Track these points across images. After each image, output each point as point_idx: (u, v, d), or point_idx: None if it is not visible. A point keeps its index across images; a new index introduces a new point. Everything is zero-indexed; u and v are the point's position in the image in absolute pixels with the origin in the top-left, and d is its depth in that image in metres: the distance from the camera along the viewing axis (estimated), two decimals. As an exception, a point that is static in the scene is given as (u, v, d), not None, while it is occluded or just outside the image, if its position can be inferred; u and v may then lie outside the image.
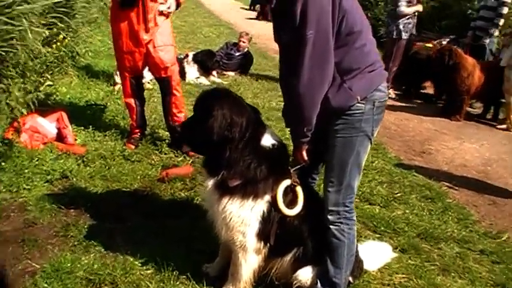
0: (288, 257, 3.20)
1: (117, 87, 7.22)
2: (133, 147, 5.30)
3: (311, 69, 2.72)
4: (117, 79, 7.16)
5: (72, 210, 4.06)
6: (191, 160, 5.20)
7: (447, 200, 5.14)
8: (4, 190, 4.16)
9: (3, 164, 4.37)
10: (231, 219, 3.00)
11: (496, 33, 9.07)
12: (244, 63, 9.33)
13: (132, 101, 5.31)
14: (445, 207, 4.96)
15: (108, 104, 6.57)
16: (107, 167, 4.81)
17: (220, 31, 13.75)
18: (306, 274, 3.22)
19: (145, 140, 5.47)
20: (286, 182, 3.04)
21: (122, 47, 4.99)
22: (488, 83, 8.04)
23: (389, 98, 8.77)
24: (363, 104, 2.88)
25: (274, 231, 3.07)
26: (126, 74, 5.17)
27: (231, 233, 3.06)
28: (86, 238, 3.67)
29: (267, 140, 3.02)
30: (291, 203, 3.05)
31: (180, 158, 5.23)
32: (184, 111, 5.42)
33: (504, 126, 8.07)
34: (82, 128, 5.58)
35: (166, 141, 5.43)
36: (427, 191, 5.27)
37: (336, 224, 3.08)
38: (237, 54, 9.24)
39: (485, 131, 7.97)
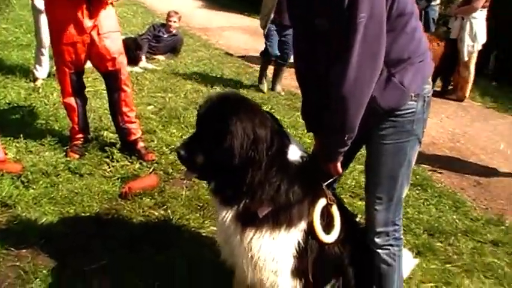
0: (326, 290, 2.61)
1: (38, 83, 6.24)
2: (77, 156, 4.44)
3: (360, 63, 2.11)
4: (38, 73, 6.23)
5: (24, 251, 3.19)
6: (152, 167, 4.43)
7: (436, 186, 4.85)
8: None
9: None
10: (259, 257, 2.35)
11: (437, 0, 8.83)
12: (174, 45, 8.50)
13: (72, 100, 4.43)
14: (438, 195, 4.70)
15: (34, 104, 5.55)
16: (53, 187, 3.93)
17: (134, 10, 12.65)
18: None
19: (91, 146, 4.60)
20: (322, 203, 2.43)
21: (62, 38, 4.09)
22: (444, 57, 7.72)
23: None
24: (415, 101, 2.34)
25: (311, 264, 2.45)
26: (66, 70, 4.27)
27: (260, 274, 2.41)
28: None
29: (294, 153, 2.37)
30: (327, 226, 2.45)
31: (137, 165, 4.45)
32: (135, 109, 4.62)
33: (454, 96, 7.90)
34: (10, 138, 4.59)
35: (117, 145, 4.58)
36: (413, 177, 4.84)
37: (385, 247, 2.56)
38: (166, 35, 8.36)
39: (439, 104, 7.72)
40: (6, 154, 4.27)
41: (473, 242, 3.94)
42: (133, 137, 4.55)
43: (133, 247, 3.26)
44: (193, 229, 3.59)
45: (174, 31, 8.45)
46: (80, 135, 4.57)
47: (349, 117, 2.21)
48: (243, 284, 2.70)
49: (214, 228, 3.58)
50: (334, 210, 2.48)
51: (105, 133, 4.96)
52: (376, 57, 2.15)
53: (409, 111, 2.34)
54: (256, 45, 9.88)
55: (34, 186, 3.89)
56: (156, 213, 3.71)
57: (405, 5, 2.20)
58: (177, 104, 6.07)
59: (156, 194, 3.97)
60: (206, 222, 3.67)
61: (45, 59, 6.25)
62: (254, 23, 11.85)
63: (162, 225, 3.57)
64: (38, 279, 2.92)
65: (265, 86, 7.30)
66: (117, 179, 4.15)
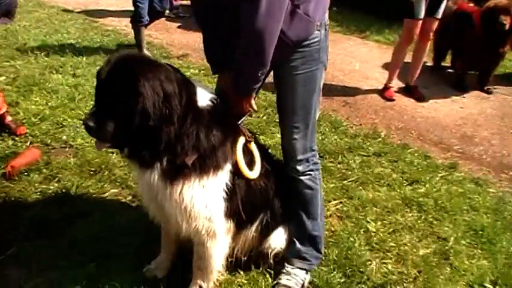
0: (255, 225, 2.70)
1: None
2: None
3: None
4: None
5: None
6: (27, 141, 4.06)
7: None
8: None
9: None
10: (192, 206, 2.32)
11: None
12: (8, 8, 7.55)
13: None
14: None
15: None
16: None
17: None
18: (278, 238, 2.81)
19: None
20: (242, 141, 2.46)
21: None
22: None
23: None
24: (319, 30, 2.42)
25: (241, 203, 2.49)
26: None
27: (194, 223, 2.38)
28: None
29: (204, 98, 2.31)
30: (249, 163, 2.49)
31: (10, 142, 4.05)
32: None
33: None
34: None
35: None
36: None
37: (307, 173, 2.67)
38: (-4, -2, 7.47)
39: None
40: None
41: (360, 156, 4.25)
42: None
43: (41, 228, 3.01)
44: (95, 195, 3.40)
45: (2, -9, 7.58)
46: None
47: (263, 52, 2.20)
48: (172, 237, 2.68)
49: (116, 190, 3.47)
50: (253, 146, 2.53)
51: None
52: None
53: (315, 40, 2.41)
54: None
55: None
56: (51, 187, 3.44)
57: None
58: (31, 71, 5.56)
59: (42, 167, 3.67)
60: (106, 186, 3.52)
61: None
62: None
63: (62, 198, 3.33)
64: None
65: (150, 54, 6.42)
66: (-6, 160, 3.75)
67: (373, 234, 3.27)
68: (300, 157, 2.61)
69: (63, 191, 3.41)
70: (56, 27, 7.46)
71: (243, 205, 2.49)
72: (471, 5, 6.27)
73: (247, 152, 2.49)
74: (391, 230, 3.34)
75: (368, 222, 3.38)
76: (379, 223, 3.39)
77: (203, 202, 2.33)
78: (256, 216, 2.65)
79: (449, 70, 6.77)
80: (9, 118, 4.19)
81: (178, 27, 8.09)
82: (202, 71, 5.98)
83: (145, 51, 6.32)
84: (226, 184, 2.38)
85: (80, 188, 3.44)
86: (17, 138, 4.09)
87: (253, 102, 2.49)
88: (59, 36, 7.04)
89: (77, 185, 3.46)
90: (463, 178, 4.10)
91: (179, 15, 8.57)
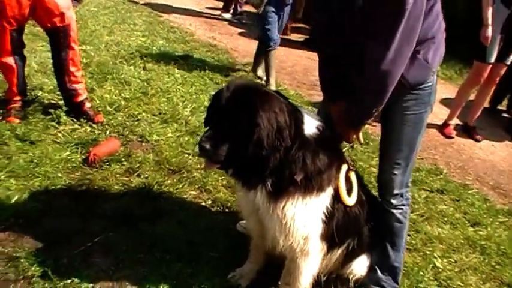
0: (341, 249, 2.77)
1: None
2: (18, 121, 4.05)
3: (401, 43, 2.23)
4: None
5: (3, 234, 2.90)
6: (104, 130, 4.18)
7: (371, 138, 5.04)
8: None
9: None
10: (292, 223, 2.43)
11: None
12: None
13: (11, 60, 4.01)
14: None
15: None
16: (6, 158, 3.57)
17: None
18: (361, 264, 2.89)
19: (33, 109, 4.22)
20: (345, 168, 2.57)
21: None
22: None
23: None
24: (433, 75, 2.54)
25: (336, 226, 2.59)
26: (7, 26, 3.83)
27: (291, 239, 2.49)
28: (43, 277, 2.64)
29: (310, 125, 2.43)
30: (348, 190, 2.59)
31: (88, 128, 4.18)
32: (81, 67, 4.29)
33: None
34: None
35: (63, 108, 4.23)
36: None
37: (399, 207, 2.78)
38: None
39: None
40: None
41: (424, 191, 4.31)
42: (79, 98, 4.25)
43: (126, 221, 3.11)
44: (177, 195, 3.50)
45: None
46: (19, 98, 4.17)
47: (384, 93, 2.35)
48: (262, 250, 2.77)
49: (195, 193, 3.57)
50: (352, 174, 2.63)
51: (40, 93, 4.55)
52: (414, 37, 2.27)
53: (429, 84, 2.53)
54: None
55: (-16, 159, 3.51)
56: (134, 181, 3.54)
57: None
58: (102, 58, 5.70)
59: (123, 159, 3.77)
60: (185, 186, 3.61)
61: None
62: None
63: (144, 193, 3.43)
64: (35, 265, 2.69)
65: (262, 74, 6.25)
66: (74, 145, 3.87)
67: (440, 270, 3.34)
68: (396, 191, 2.72)
69: (145, 186, 3.50)
70: (122, 16, 7.62)
71: (337, 229, 2.58)
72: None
73: (347, 179, 2.59)
74: (457, 269, 3.40)
75: (435, 258, 3.44)
76: (445, 260, 3.45)
77: (303, 220, 2.44)
78: (344, 240, 2.72)
79: (504, 114, 6.80)
80: (87, 105, 4.31)
81: (240, 33, 8.17)
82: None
83: (259, 72, 6.23)
84: (326, 207, 2.49)
85: (161, 186, 3.53)
86: (94, 126, 4.21)
87: (360, 134, 2.63)
88: (126, 26, 7.19)
89: (157, 182, 3.55)
90: (522, 226, 4.15)
91: (242, 22, 8.67)
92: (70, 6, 4.02)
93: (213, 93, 2.43)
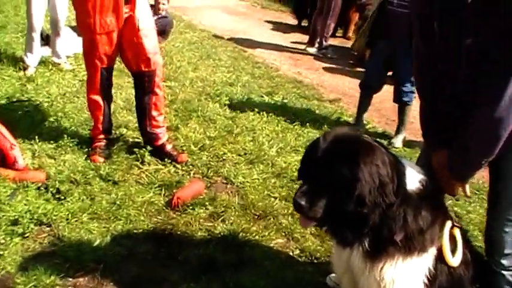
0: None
1: (29, 72, 5.62)
2: (102, 160, 3.97)
3: None
4: (28, 61, 5.62)
5: (82, 280, 2.79)
6: (189, 171, 4.02)
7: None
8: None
9: None
10: (392, 285, 2.19)
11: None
12: (163, 28, 7.88)
13: (99, 98, 3.98)
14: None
15: (35, 97, 4.97)
16: (89, 198, 3.46)
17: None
18: None
19: (117, 148, 4.13)
20: (449, 225, 2.29)
21: (94, 25, 3.61)
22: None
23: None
24: None
25: None
26: (98, 63, 3.81)
27: None
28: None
29: (413, 179, 2.18)
30: (452, 250, 2.30)
31: (172, 169, 4.03)
32: (164, 112, 4.22)
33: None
34: (21, 139, 4.04)
35: (148, 148, 4.11)
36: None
37: (510, 268, 2.43)
38: (155, 18, 7.75)
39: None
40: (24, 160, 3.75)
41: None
42: (159, 142, 4.13)
43: (209, 270, 2.89)
44: (263, 243, 3.25)
45: (163, 13, 7.87)
46: (103, 136, 4.12)
47: (496, 142, 2.11)
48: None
49: (282, 241, 3.31)
50: (457, 231, 2.34)
51: (125, 131, 4.48)
52: None
53: None
54: (237, 26, 9.54)
55: (68, 198, 3.42)
56: (218, 227, 3.32)
57: None
58: (187, 95, 5.62)
59: (207, 203, 3.57)
60: (272, 234, 3.34)
61: (36, 45, 5.65)
62: (229, 1, 11.46)
63: (229, 240, 3.20)
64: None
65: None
66: (157, 186, 3.73)
67: None
68: (507, 251, 2.39)
69: (230, 232, 3.27)
70: (208, 52, 7.58)
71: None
72: None
73: (451, 237, 2.29)
74: None
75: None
76: None
77: (404, 283, 2.18)
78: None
79: None
80: (169, 146, 4.18)
81: (325, 68, 7.93)
82: (356, 119, 5.77)
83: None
84: (429, 268, 2.22)
85: (246, 233, 3.29)
86: (178, 166, 4.06)
87: (467, 186, 2.35)
88: (211, 62, 7.13)
89: (243, 229, 3.31)
90: None
91: (328, 56, 8.45)
92: (158, 51, 3.94)
93: (309, 143, 2.23)
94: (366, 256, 2.17)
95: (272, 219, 3.50)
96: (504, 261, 2.41)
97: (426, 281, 2.22)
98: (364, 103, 5.54)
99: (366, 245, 2.14)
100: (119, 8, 3.62)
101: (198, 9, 10.19)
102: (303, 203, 2.07)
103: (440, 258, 2.24)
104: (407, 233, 2.11)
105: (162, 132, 4.14)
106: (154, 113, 4.04)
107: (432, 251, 2.21)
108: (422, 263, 2.19)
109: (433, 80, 2.33)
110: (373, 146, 2.11)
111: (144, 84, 3.94)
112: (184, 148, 4.35)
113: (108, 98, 4.05)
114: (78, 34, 6.28)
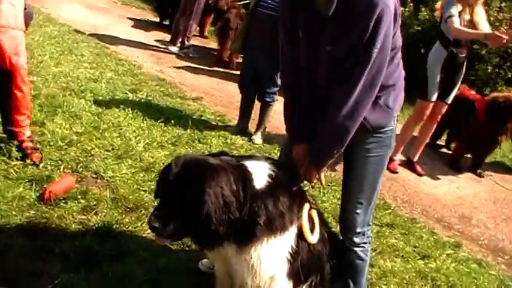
0: (305, 286, 2.84)
1: None
2: (-38, 156, 3.90)
3: (363, 90, 2.40)
4: None
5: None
6: (61, 165, 4.09)
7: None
8: None
9: None
10: (259, 264, 2.53)
11: None
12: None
13: None
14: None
15: None
16: (-46, 194, 3.44)
17: None
18: None
19: (-20, 144, 4.07)
20: (307, 207, 2.69)
21: None
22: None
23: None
24: (393, 120, 2.73)
25: (301, 264, 2.68)
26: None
27: (258, 279, 2.57)
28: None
29: (260, 178, 2.53)
30: (311, 228, 2.70)
31: (41, 164, 4.05)
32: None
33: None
34: None
35: (15, 143, 4.08)
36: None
37: (361, 245, 2.91)
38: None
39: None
40: None
41: (375, 226, 4.42)
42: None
43: (87, 261, 3.05)
44: (134, 233, 3.47)
45: (21, 4, 7.60)
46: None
47: (345, 137, 2.50)
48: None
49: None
50: (314, 213, 2.74)
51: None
52: (376, 85, 2.44)
53: (390, 128, 2.70)
54: (98, 21, 9.47)
55: None
56: (92, 219, 3.49)
57: (397, 40, 2.52)
58: (51, 90, 5.58)
59: (79, 197, 3.70)
60: (144, 225, 3.55)
61: None
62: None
63: (104, 232, 3.37)
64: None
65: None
66: (27, 181, 3.76)
67: (397, 304, 3.46)
68: (358, 230, 2.84)
69: (104, 224, 3.45)
70: (69, 47, 7.46)
71: (301, 266, 2.67)
72: (473, 92, 6.72)
73: (310, 218, 2.68)
74: (412, 301, 3.54)
75: (392, 292, 3.57)
76: (401, 294, 3.59)
77: (269, 261, 2.52)
78: (307, 278, 2.80)
79: (443, 149, 7.16)
80: (27, 144, 4.13)
81: (187, 67, 8.22)
82: (218, 117, 6.17)
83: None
84: (291, 246, 2.58)
85: (120, 224, 3.49)
86: (47, 161, 4.10)
87: (322, 175, 2.73)
88: (74, 57, 7.06)
89: (116, 221, 3.51)
90: (467, 258, 4.38)
91: (189, 56, 8.73)
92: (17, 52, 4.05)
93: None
94: (234, 246, 2.50)
95: (143, 210, 3.72)
96: (356, 239, 2.86)
97: (289, 257, 2.59)
98: (243, 106, 5.91)
99: (232, 241, 2.47)
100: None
101: (56, 2, 9.88)
102: (156, 225, 2.35)
103: (300, 236, 2.61)
104: (269, 217, 2.45)
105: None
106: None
107: (293, 230, 2.57)
108: (284, 242, 2.54)
109: (296, 80, 2.66)
110: (218, 169, 2.41)
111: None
112: (51, 143, 4.38)
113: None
114: None
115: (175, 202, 2.36)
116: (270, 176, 2.53)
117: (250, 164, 2.56)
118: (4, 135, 4.19)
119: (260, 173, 2.53)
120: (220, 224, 2.33)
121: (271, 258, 2.52)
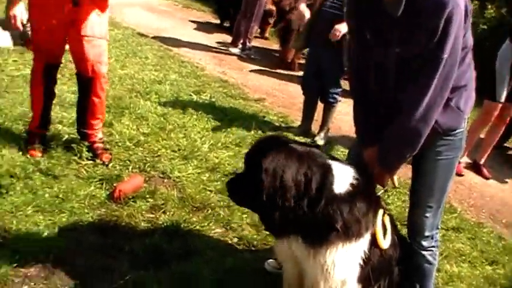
0: (374, 290, 2.79)
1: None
2: (39, 154, 4.04)
3: (435, 93, 2.34)
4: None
5: (33, 270, 2.89)
6: (129, 165, 4.19)
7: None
8: None
9: None
10: (333, 268, 2.51)
11: None
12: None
13: (41, 91, 4.05)
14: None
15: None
16: (31, 192, 3.55)
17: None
18: None
19: (55, 144, 4.20)
20: (381, 213, 2.65)
21: (38, 18, 3.79)
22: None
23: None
24: (464, 122, 2.65)
25: (371, 269, 2.65)
26: (41, 56, 3.94)
27: (330, 283, 2.56)
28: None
29: (341, 183, 2.50)
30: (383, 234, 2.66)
31: (110, 164, 4.15)
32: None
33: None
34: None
35: (85, 144, 4.21)
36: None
37: (430, 249, 2.85)
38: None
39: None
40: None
41: (441, 230, 4.24)
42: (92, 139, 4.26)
43: (156, 259, 3.11)
44: (202, 232, 3.50)
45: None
46: (41, 132, 4.17)
47: (417, 140, 2.45)
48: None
49: (220, 231, 3.58)
50: (386, 218, 2.71)
51: (60, 127, 4.55)
52: (447, 88, 2.37)
53: (461, 130, 2.61)
54: (161, 24, 9.64)
55: (10, 193, 3.49)
56: (161, 218, 3.54)
57: (468, 39, 2.43)
58: (118, 92, 5.72)
59: (147, 196, 3.77)
60: (211, 224, 3.61)
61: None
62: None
63: (172, 231, 3.42)
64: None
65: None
66: (97, 180, 3.87)
67: (465, 310, 3.34)
68: (427, 234, 2.78)
69: (172, 223, 3.50)
70: (133, 49, 7.66)
71: (372, 271, 2.63)
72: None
73: (382, 223, 2.64)
74: (481, 308, 3.41)
75: (459, 298, 3.45)
76: (469, 300, 3.46)
77: (343, 265, 2.50)
78: (376, 282, 2.75)
79: (511, 152, 6.88)
80: (98, 145, 4.28)
81: (249, 69, 8.26)
82: (280, 118, 6.15)
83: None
84: (364, 251, 2.56)
85: (188, 223, 3.53)
86: (116, 161, 4.20)
87: (395, 177, 2.70)
88: (138, 60, 7.23)
89: (184, 219, 3.55)
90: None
91: (250, 57, 8.78)
92: (100, 61, 4.08)
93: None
94: (307, 245, 2.49)
95: (210, 210, 3.76)
96: (424, 243, 2.81)
97: (362, 262, 2.56)
98: (306, 107, 5.88)
99: (302, 236, 2.49)
100: (64, 8, 3.72)
101: (119, 6, 10.14)
102: (229, 186, 2.66)
103: (373, 242, 2.59)
104: (345, 223, 2.44)
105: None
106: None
107: (367, 236, 2.55)
108: (358, 247, 2.53)
109: (365, 81, 2.62)
110: (291, 154, 2.44)
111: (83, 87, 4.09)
112: (119, 144, 4.50)
113: (50, 93, 4.12)
114: (2, 27, 6.25)
115: (246, 173, 2.56)
116: (351, 184, 2.51)
117: (336, 167, 2.53)
118: (76, 136, 4.32)
119: (343, 179, 2.50)
120: (274, 206, 2.38)
121: (345, 263, 2.51)
